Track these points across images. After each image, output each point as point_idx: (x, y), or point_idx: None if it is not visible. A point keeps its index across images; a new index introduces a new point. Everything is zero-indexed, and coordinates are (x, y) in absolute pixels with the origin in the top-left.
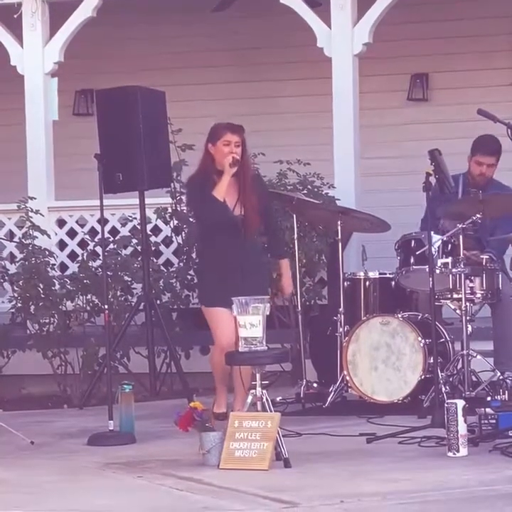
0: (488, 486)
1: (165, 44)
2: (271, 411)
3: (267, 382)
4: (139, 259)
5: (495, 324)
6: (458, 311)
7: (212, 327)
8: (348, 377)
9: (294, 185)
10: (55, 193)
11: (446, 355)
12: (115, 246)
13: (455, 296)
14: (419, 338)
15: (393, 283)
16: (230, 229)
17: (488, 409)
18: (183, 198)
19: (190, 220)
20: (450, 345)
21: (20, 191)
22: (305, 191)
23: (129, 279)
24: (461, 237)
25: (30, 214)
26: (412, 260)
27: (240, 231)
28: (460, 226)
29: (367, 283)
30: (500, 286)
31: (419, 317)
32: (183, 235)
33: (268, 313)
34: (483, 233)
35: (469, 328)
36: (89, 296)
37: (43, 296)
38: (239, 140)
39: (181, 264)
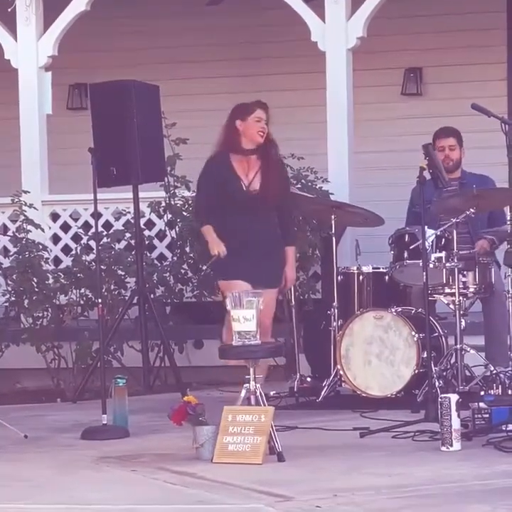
0: (482, 481)
1: (159, 38)
2: (264, 405)
3: (260, 376)
4: (133, 253)
5: (486, 319)
6: (451, 306)
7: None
8: (341, 372)
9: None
10: (48, 186)
11: (440, 349)
12: (109, 240)
13: (448, 290)
14: (413, 333)
15: (387, 277)
16: (242, 207)
17: (481, 404)
18: (177, 191)
19: (184, 214)
20: (444, 339)
21: (14, 185)
22: (299, 185)
23: (123, 273)
24: (454, 231)
25: (23, 208)
26: (405, 255)
27: (253, 208)
28: (454, 220)
29: (361, 277)
30: (492, 280)
31: (413, 311)
32: (177, 228)
33: (262, 307)
34: (474, 227)
35: (463, 323)
36: (82, 290)
37: (36, 290)
38: (267, 118)
39: (175, 258)
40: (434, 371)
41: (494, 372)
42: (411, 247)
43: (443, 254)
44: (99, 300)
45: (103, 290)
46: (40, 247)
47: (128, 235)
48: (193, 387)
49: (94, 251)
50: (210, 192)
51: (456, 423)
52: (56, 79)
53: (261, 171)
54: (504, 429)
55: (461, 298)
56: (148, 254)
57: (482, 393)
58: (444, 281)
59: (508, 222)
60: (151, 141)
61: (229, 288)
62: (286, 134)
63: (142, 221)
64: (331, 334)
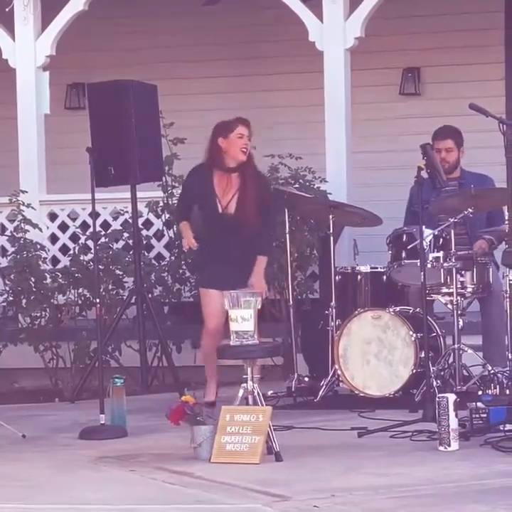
0: (480, 480)
1: (157, 37)
2: (262, 405)
3: (258, 375)
4: (131, 252)
5: (484, 319)
6: (449, 306)
7: (202, 309)
8: (339, 371)
9: (285, 179)
10: (46, 186)
11: (438, 349)
12: (107, 240)
13: (446, 290)
14: (411, 333)
15: (385, 277)
16: (217, 226)
17: (479, 404)
18: (175, 191)
19: None
20: (441, 339)
21: (12, 185)
22: (297, 185)
23: (121, 272)
24: (452, 231)
25: (21, 207)
26: (403, 254)
27: (228, 230)
28: (452, 220)
29: (358, 277)
30: (490, 280)
31: (411, 311)
32: (175, 228)
33: (259, 307)
34: (472, 227)
35: (460, 323)
36: (80, 290)
37: (34, 289)
38: (249, 134)
39: (173, 257)
40: (431, 371)
41: (492, 372)
42: (409, 247)
43: (441, 254)
44: (97, 300)
45: (101, 290)
46: (38, 246)
47: (126, 234)
48: (190, 387)
49: (92, 251)
50: (191, 201)
51: (453, 423)
52: (54, 78)
53: (239, 192)
54: (502, 428)
55: (458, 298)
56: (146, 254)
57: (480, 393)
58: (442, 281)
59: (507, 222)
60: (149, 141)
61: (204, 295)
62: (284, 134)
63: (140, 221)
64: (329, 334)
